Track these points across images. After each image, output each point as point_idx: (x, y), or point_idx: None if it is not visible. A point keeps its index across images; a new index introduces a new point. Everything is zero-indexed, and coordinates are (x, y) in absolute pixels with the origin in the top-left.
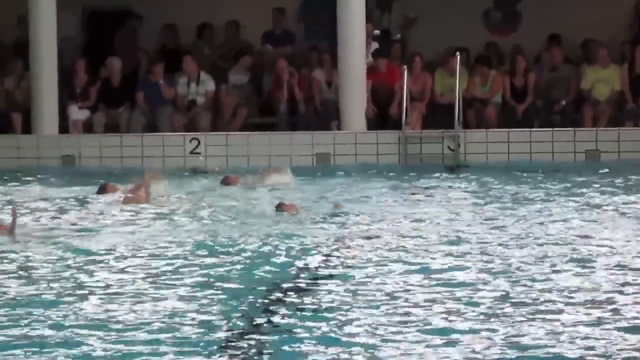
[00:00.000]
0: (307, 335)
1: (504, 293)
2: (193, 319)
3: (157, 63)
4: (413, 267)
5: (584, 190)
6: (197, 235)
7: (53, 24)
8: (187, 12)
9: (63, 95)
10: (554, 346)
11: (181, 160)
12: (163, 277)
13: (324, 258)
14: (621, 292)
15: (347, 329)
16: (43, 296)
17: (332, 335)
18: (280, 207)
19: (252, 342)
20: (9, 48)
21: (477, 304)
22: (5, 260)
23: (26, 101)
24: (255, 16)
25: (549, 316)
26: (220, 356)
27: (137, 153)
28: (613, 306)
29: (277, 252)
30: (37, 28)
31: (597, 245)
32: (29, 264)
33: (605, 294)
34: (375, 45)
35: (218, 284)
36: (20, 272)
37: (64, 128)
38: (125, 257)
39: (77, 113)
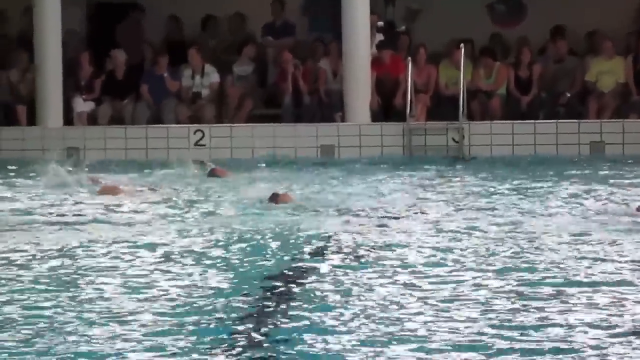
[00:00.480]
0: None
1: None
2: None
3: (162, 55)
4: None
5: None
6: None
7: (58, 15)
8: (191, 4)
9: (68, 88)
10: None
11: (186, 152)
12: (156, 269)
13: (322, 248)
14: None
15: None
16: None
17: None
18: (274, 198)
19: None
20: (14, 40)
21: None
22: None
23: (31, 93)
24: (259, 8)
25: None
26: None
27: (141, 145)
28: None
29: (268, 243)
30: (41, 20)
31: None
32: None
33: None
34: (379, 36)
35: (213, 275)
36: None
37: (68, 120)
38: (110, 249)
39: (82, 105)
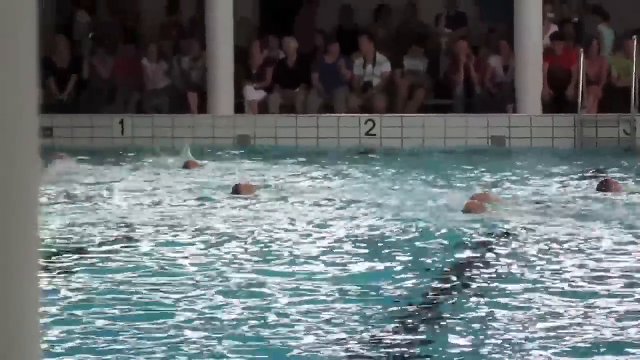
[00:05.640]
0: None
1: None
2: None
3: (333, 44)
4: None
5: None
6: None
7: (230, 3)
8: None
9: (239, 76)
10: None
11: (356, 141)
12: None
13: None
14: None
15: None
16: None
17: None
18: (236, 190)
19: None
20: (186, 28)
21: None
22: None
23: (202, 81)
24: None
25: None
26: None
27: (312, 134)
28: None
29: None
30: (213, 8)
31: None
32: None
33: None
34: (553, 28)
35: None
36: None
37: (239, 108)
38: None
39: (253, 93)
